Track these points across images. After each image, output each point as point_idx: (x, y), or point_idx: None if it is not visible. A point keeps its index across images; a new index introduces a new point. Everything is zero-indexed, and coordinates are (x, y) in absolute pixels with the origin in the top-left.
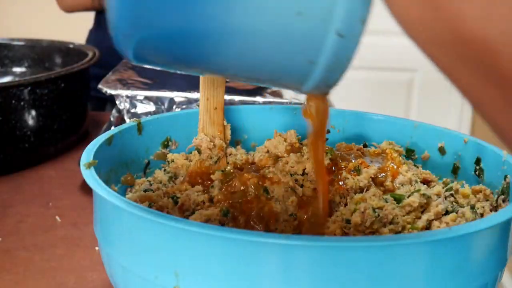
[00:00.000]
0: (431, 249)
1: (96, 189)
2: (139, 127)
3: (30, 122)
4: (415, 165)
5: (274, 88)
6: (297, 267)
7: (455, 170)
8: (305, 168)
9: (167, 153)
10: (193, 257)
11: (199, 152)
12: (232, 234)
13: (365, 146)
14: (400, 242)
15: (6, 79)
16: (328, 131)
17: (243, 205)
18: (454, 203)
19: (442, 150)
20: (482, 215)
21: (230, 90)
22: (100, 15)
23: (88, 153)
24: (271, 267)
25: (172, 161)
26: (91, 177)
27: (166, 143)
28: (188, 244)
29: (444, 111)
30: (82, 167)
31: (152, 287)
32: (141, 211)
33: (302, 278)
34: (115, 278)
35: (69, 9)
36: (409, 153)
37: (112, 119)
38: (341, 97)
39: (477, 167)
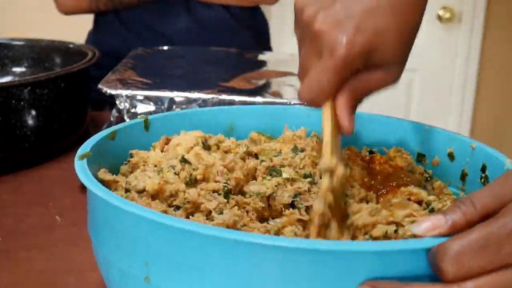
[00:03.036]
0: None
1: (81, 178)
2: (146, 124)
3: (30, 122)
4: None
5: (274, 89)
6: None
7: (463, 177)
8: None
9: None
10: (161, 249)
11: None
12: (192, 227)
13: (371, 152)
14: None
15: (6, 79)
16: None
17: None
18: None
19: (451, 156)
20: None
21: (230, 90)
22: (99, 17)
23: (85, 146)
24: (230, 262)
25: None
26: (80, 167)
27: None
28: (156, 235)
29: (444, 111)
30: (76, 158)
31: (127, 277)
32: (115, 200)
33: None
34: (101, 270)
35: (68, 12)
36: (420, 158)
37: (112, 119)
38: None
39: (483, 175)
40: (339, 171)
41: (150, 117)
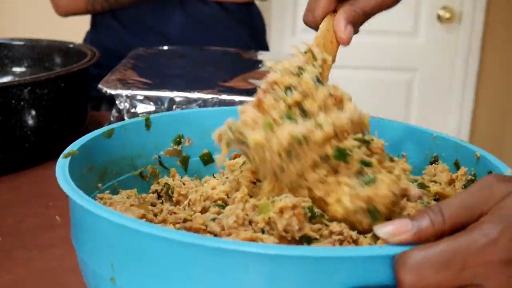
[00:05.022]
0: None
1: (58, 178)
2: (148, 123)
3: (30, 122)
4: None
5: None
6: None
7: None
8: None
9: (179, 150)
10: (125, 251)
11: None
12: (152, 230)
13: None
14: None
15: (6, 79)
16: None
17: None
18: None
19: (457, 165)
20: None
21: (230, 90)
22: (96, 17)
23: (75, 144)
24: (197, 267)
25: None
26: (60, 167)
27: (178, 140)
28: (120, 238)
29: (444, 111)
30: (61, 156)
31: (98, 278)
32: (81, 200)
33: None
34: (81, 271)
35: (65, 14)
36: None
37: (112, 119)
38: None
39: None
40: (326, 57)
41: (151, 116)
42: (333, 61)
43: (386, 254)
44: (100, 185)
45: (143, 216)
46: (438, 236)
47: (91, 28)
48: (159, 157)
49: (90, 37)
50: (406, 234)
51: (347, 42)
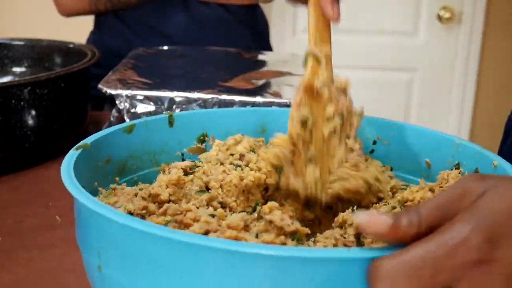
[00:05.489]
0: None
1: (63, 171)
2: (171, 120)
3: (30, 122)
4: None
5: (274, 89)
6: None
7: None
8: None
9: (203, 148)
10: (110, 240)
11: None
12: (127, 221)
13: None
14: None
15: (6, 79)
16: (375, 142)
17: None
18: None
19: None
20: None
21: (230, 90)
22: (99, 17)
23: (89, 138)
24: (178, 264)
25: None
26: (68, 157)
27: (202, 138)
28: (105, 227)
29: (444, 111)
30: (73, 148)
31: (87, 265)
32: (73, 190)
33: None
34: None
35: (68, 14)
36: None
37: (112, 119)
38: None
39: None
40: (327, 51)
41: (174, 114)
42: (330, 43)
43: (361, 257)
44: (117, 178)
45: (144, 207)
46: (415, 237)
47: (95, 28)
48: (182, 154)
49: (94, 37)
50: (382, 226)
51: (339, 20)
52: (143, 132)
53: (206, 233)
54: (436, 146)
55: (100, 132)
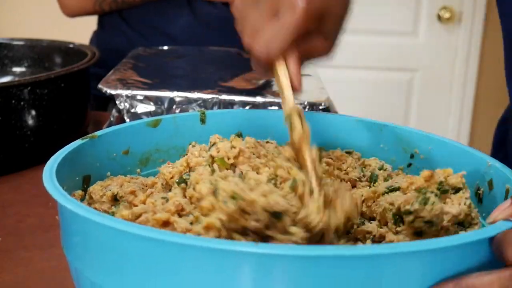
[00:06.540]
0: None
1: (46, 173)
2: (203, 118)
3: (30, 122)
4: None
5: (274, 89)
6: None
7: None
8: None
9: None
10: (83, 237)
11: None
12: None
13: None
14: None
15: (6, 79)
16: (412, 156)
17: None
18: None
19: (508, 194)
20: None
21: (230, 90)
22: (103, 17)
23: (102, 131)
24: (166, 264)
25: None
26: (76, 145)
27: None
28: (84, 226)
29: (444, 111)
30: (79, 139)
31: (71, 266)
32: (51, 188)
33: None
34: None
35: (72, 14)
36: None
37: (112, 119)
38: (341, 97)
39: None
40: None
41: (207, 111)
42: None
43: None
44: (139, 170)
45: (131, 192)
46: None
47: (98, 28)
48: None
49: (97, 37)
50: (507, 210)
51: (300, 90)
52: (171, 128)
53: (138, 216)
54: (466, 165)
55: (118, 125)
